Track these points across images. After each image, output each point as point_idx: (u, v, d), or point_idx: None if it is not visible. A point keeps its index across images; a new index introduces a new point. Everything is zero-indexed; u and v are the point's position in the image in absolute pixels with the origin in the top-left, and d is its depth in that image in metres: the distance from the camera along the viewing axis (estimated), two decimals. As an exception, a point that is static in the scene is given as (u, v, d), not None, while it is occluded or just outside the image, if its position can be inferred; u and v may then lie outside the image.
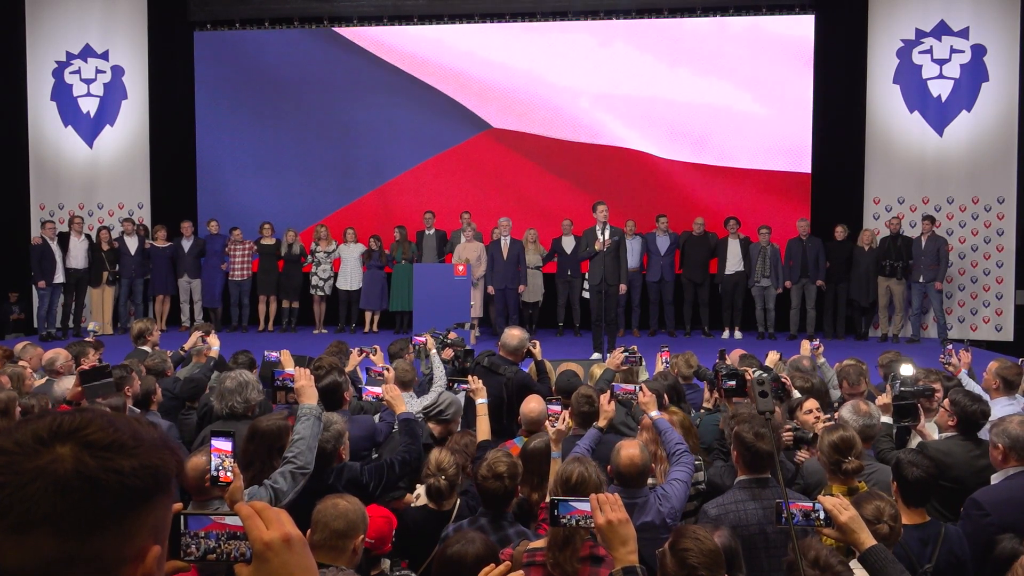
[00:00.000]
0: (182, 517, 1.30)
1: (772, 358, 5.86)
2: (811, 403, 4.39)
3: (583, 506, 2.29)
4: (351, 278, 11.37)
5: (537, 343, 5.71)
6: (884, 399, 4.34)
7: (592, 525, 2.23)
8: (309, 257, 11.47)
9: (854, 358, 5.86)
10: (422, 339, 5.78)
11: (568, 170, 11.95)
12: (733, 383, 4.11)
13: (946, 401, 4.15)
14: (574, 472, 2.87)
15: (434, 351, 5.49)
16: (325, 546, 2.66)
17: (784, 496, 2.54)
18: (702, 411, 5.31)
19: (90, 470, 0.93)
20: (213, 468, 2.71)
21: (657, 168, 11.80)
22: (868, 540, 2.39)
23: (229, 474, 2.70)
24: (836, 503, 2.45)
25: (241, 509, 1.14)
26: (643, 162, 11.80)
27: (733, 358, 5.93)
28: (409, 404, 4.31)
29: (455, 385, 4.78)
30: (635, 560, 2.12)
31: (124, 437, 0.96)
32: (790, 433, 3.96)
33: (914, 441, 4.35)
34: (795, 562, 2.40)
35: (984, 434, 3.95)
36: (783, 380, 4.74)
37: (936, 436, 4.33)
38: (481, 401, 4.38)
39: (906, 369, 4.85)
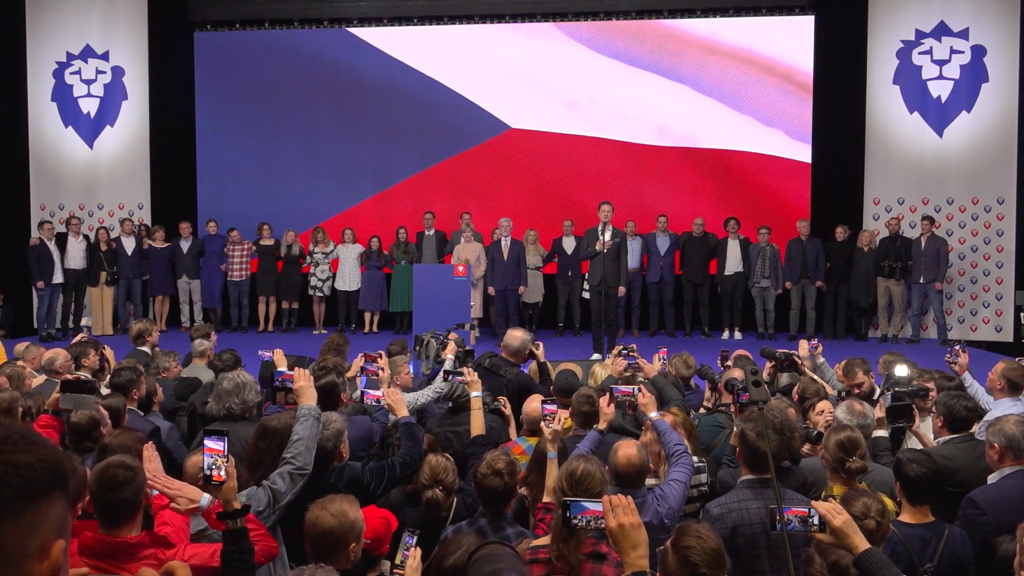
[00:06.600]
0: None
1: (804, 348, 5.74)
2: (824, 404, 4.39)
3: (595, 507, 2.27)
4: (349, 279, 11.38)
5: (540, 344, 5.67)
6: (880, 411, 4.31)
7: (603, 526, 2.21)
8: (308, 258, 11.47)
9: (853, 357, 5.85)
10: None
11: (568, 170, 11.94)
12: (748, 396, 4.10)
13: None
14: (579, 467, 2.88)
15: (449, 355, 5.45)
16: (318, 553, 2.64)
17: (778, 501, 2.53)
18: (702, 410, 5.30)
19: None
20: (206, 467, 2.69)
21: (657, 167, 11.80)
22: (862, 544, 2.40)
23: (222, 474, 2.69)
24: (830, 508, 2.47)
25: (144, 573, 1.15)
26: (643, 161, 11.79)
27: (730, 363, 5.89)
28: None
29: (450, 377, 4.75)
30: (645, 565, 2.10)
31: (15, 436, 1.00)
32: (808, 445, 3.95)
33: (910, 442, 4.33)
34: (812, 558, 2.40)
35: (982, 434, 3.93)
36: (795, 357, 5.18)
37: (930, 436, 4.31)
38: (476, 395, 4.30)
39: (900, 370, 4.84)
